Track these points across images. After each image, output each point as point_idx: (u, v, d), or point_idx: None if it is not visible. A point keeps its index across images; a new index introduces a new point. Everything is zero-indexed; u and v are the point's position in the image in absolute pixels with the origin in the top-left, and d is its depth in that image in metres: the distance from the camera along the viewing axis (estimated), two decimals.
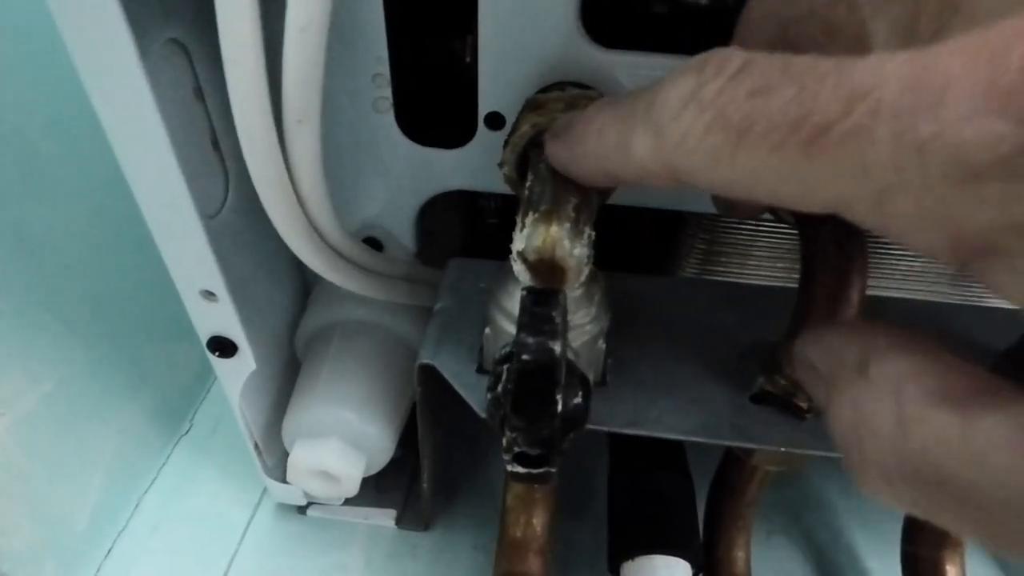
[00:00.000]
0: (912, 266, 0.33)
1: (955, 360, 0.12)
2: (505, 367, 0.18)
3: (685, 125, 0.13)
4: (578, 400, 0.18)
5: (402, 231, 0.32)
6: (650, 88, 0.14)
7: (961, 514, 0.11)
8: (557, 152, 0.19)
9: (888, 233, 0.11)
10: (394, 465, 0.35)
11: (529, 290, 0.18)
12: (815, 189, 0.11)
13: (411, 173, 0.29)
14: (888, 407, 0.12)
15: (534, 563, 0.31)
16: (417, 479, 0.38)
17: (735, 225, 0.33)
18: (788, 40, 0.16)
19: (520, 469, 0.18)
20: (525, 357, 0.16)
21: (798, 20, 0.16)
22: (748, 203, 0.21)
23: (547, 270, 0.19)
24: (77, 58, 0.19)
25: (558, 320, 0.17)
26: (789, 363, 0.23)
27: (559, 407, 0.17)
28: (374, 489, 0.38)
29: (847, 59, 0.11)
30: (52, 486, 0.33)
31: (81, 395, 0.34)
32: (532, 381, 0.16)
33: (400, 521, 0.38)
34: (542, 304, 0.17)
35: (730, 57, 0.13)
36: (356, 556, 0.37)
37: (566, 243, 0.19)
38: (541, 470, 0.18)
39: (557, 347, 0.16)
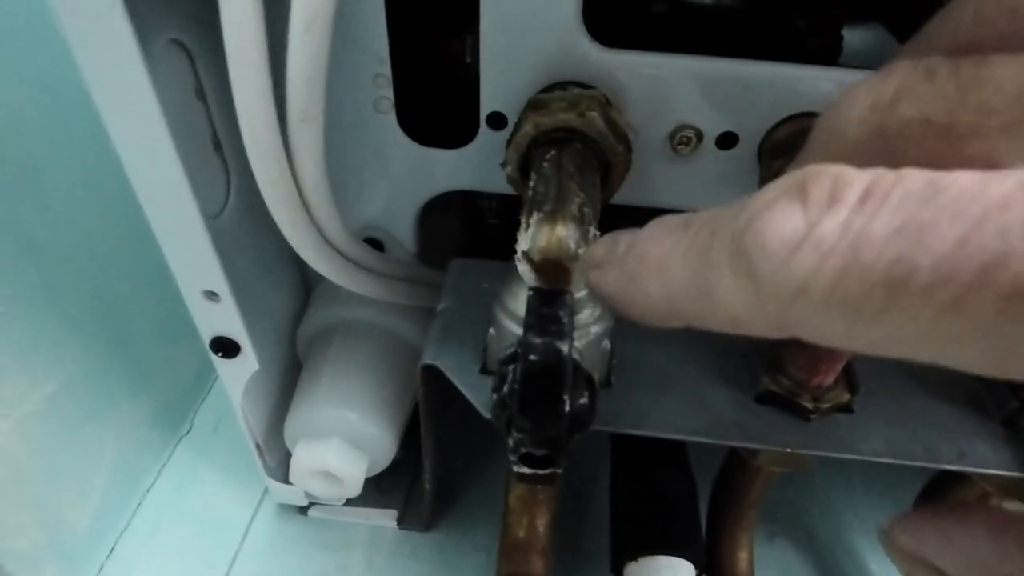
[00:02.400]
0: None
1: None
2: (511, 367, 0.18)
3: (802, 275, 0.10)
4: (584, 400, 0.18)
5: (403, 232, 0.31)
6: (729, 212, 0.11)
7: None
8: (606, 287, 0.15)
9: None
10: (395, 466, 0.35)
11: (536, 290, 0.18)
12: (1019, 352, 0.08)
13: (412, 173, 0.29)
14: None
15: (537, 564, 0.31)
16: (418, 480, 0.38)
17: None
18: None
19: (526, 470, 0.18)
20: (532, 357, 0.16)
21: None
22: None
23: (552, 270, 0.19)
24: (81, 58, 0.19)
25: (565, 320, 0.17)
26: (792, 363, 0.23)
27: (566, 407, 0.16)
28: (375, 490, 0.38)
29: None
30: (54, 486, 0.33)
31: (83, 396, 0.34)
32: (539, 382, 0.16)
33: (401, 522, 0.38)
34: (549, 304, 0.17)
35: (844, 179, 0.10)
36: (357, 557, 0.37)
37: (571, 243, 0.19)
38: (547, 471, 0.18)
39: (564, 347, 0.16)
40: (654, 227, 0.13)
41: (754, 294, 0.10)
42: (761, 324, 0.11)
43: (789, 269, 0.10)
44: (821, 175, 0.10)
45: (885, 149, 0.12)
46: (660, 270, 0.13)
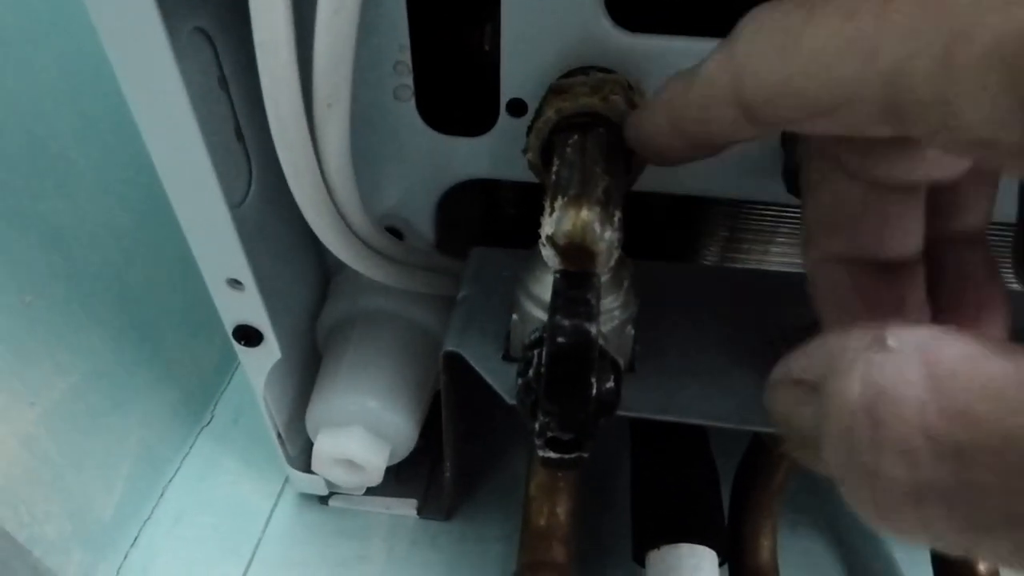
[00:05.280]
0: None
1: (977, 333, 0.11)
2: (536, 351, 0.18)
3: (761, 17, 0.13)
4: (610, 384, 0.18)
5: (422, 221, 0.31)
6: None
7: (1012, 502, 0.09)
8: (633, 118, 0.20)
9: (945, 104, 0.10)
10: (415, 455, 0.35)
11: (563, 272, 0.18)
12: (878, 52, 0.10)
13: (432, 162, 0.29)
14: (916, 368, 0.10)
15: (558, 552, 0.31)
16: (438, 469, 0.38)
17: (759, 211, 0.32)
18: None
19: (552, 455, 0.18)
20: (560, 339, 0.16)
21: None
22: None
23: (577, 254, 0.19)
24: (109, 47, 0.19)
25: (593, 302, 0.17)
26: None
27: (593, 390, 0.16)
28: (395, 479, 0.38)
29: None
30: (80, 475, 0.33)
31: (107, 386, 0.35)
32: (567, 363, 0.16)
33: (422, 511, 0.38)
34: (576, 286, 0.17)
35: None
36: (378, 546, 0.37)
37: (596, 227, 0.18)
38: (573, 455, 0.18)
39: (592, 329, 0.16)
40: None
41: (724, 53, 0.14)
42: (724, 82, 0.14)
43: (751, 22, 0.13)
44: None
45: None
46: (671, 84, 0.16)
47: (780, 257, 0.34)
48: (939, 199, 0.17)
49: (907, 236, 0.17)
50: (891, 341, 0.11)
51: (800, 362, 0.13)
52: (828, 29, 0.11)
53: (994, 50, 0.09)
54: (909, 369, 0.10)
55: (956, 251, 0.17)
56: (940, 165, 0.16)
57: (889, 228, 0.16)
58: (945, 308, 0.17)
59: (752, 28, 0.13)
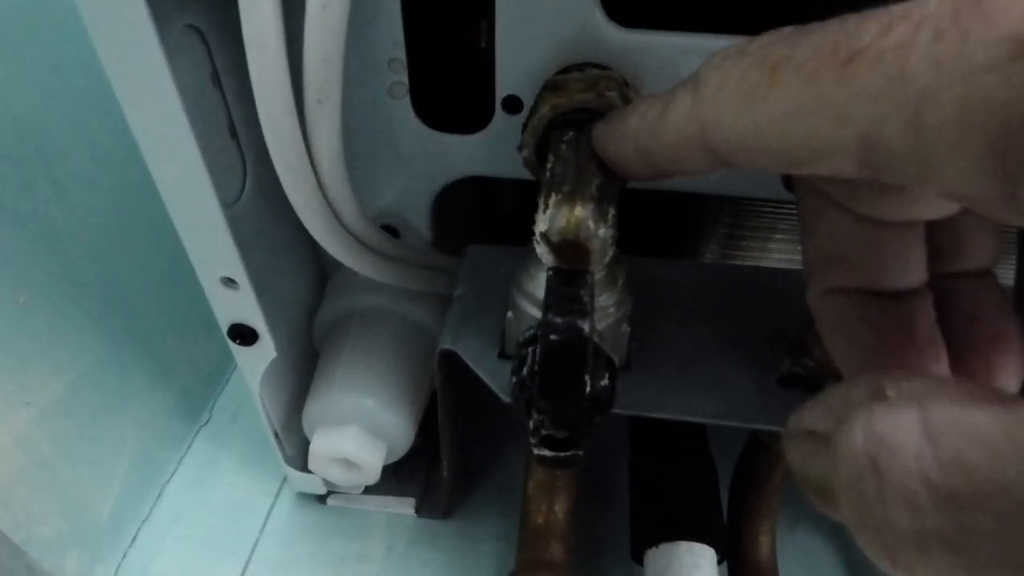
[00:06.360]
0: None
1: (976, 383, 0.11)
2: (530, 349, 0.18)
3: (723, 72, 0.13)
4: (605, 382, 0.18)
5: (418, 218, 0.31)
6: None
7: (1012, 547, 0.09)
8: (599, 132, 0.19)
9: (921, 160, 0.10)
10: (413, 454, 0.35)
11: (555, 270, 0.18)
12: (846, 116, 0.11)
13: (427, 159, 0.29)
14: (912, 418, 0.10)
15: (556, 550, 0.31)
16: (436, 468, 0.38)
17: (757, 208, 0.32)
18: None
19: (547, 453, 0.18)
20: (553, 337, 0.16)
21: None
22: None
23: (571, 252, 0.19)
24: (99, 45, 0.19)
25: (586, 299, 0.17)
26: (816, 345, 0.23)
27: (587, 388, 0.16)
28: (393, 478, 0.38)
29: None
30: (77, 476, 0.33)
31: (103, 386, 0.35)
32: (560, 361, 0.16)
33: (420, 510, 0.38)
34: (569, 284, 0.17)
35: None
36: (376, 544, 0.37)
37: (590, 224, 0.18)
38: (568, 453, 0.18)
39: (586, 326, 0.16)
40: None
41: (692, 97, 0.14)
42: (690, 128, 0.14)
43: (718, 70, 0.13)
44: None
45: None
46: (642, 112, 0.16)
47: (779, 254, 0.34)
48: (941, 239, 0.17)
49: (908, 268, 0.16)
50: (890, 391, 0.11)
51: (812, 413, 0.13)
52: (791, 92, 0.11)
53: (963, 116, 0.09)
54: (906, 419, 0.10)
55: (965, 288, 0.17)
56: (929, 207, 0.15)
57: (887, 261, 0.16)
58: (958, 346, 0.17)
59: (715, 82, 0.13)
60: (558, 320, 0.16)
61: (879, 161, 0.11)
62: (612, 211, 0.19)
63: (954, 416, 0.10)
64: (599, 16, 0.23)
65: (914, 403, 0.10)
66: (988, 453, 0.09)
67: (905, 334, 0.16)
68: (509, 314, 0.23)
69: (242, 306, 0.27)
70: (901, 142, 0.10)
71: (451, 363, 0.25)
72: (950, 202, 0.15)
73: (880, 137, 0.10)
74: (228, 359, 0.45)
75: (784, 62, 0.11)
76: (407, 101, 0.27)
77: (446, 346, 0.24)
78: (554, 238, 0.18)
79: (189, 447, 0.41)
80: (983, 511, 0.09)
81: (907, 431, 0.10)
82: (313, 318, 0.34)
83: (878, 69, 0.10)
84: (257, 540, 0.37)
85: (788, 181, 0.25)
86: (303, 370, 0.34)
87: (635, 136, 0.16)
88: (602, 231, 0.18)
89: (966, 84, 0.09)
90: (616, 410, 0.21)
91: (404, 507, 0.38)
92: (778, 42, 0.12)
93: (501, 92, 0.26)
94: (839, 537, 0.37)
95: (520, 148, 0.25)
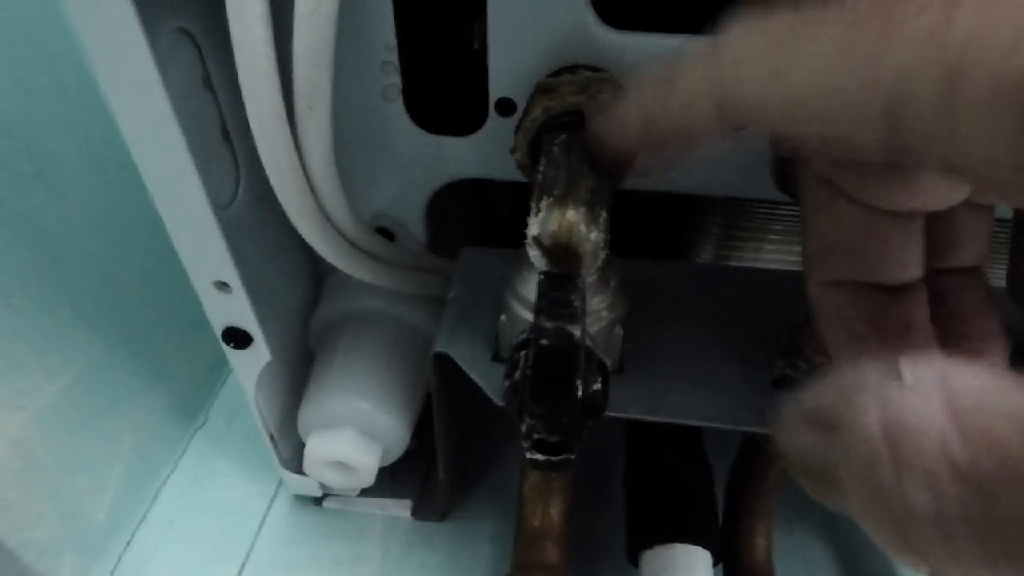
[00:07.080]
0: None
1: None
2: (523, 353, 0.18)
3: (748, 37, 0.12)
4: (597, 386, 0.18)
5: (413, 221, 0.31)
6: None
7: None
8: (596, 127, 0.19)
9: (950, 128, 0.10)
10: (410, 456, 0.35)
11: (546, 274, 0.18)
12: (878, 80, 0.10)
13: (421, 162, 0.29)
14: (935, 398, 0.10)
15: (552, 553, 0.31)
16: (433, 470, 0.38)
17: (751, 209, 0.32)
18: None
19: (539, 456, 0.18)
20: (544, 342, 0.16)
21: None
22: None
23: (563, 255, 0.19)
24: (88, 49, 0.19)
25: (577, 304, 0.17)
26: (809, 345, 0.23)
27: (579, 392, 0.16)
28: (390, 480, 0.38)
29: None
30: (72, 478, 0.33)
31: (98, 389, 0.35)
32: (551, 366, 0.16)
33: (416, 512, 0.38)
34: (560, 288, 0.17)
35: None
36: (373, 547, 0.37)
37: (582, 227, 0.18)
38: (560, 457, 0.18)
39: (576, 331, 0.16)
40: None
41: (706, 64, 0.14)
42: (706, 94, 0.14)
43: (741, 36, 0.13)
44: None
45: None
46: (640, 89, 0.16)
47: (773, 255, 0.34)
48: (937, 236, 0.17)
49: (907, 261, 0.17)
50: (907, 376, 0.11)
51: (812, 400, 0.13)
52: (828, 49, 0.11)
53: (999, 87, 0.09)
54: (929, 403, 0.10)
55: (955, 285, 0.18)
56: (935, 196, 0.15)
57: (888, 254, 0.16)
58: (946, 339, 0.17)
59: (739, 43, 0.13)
60: (549, 325, 0.16)
61: (906, 126, 0.10)
62: (604, 214, 0.19)
63: (981, 396, 0.10)
64: (590, 18, 0.23)
65: (937, 384, 0.10)
66: (1020, 430, 0.09)
67: (901, 328, 0.17)
68: (503, 317, 0.23)
69: (235, 310, 0.27)
70: (932, 108, 0.10)
71: (446, 366, 0.25)
72: (959, 186, 0.15)
73: (911, 102, 0.10)
74: (224, 361, 0.44)
75: (816, 22, 0.11)
76: (400, 104, 0.27)
77: (440, 349, 0.24)
78: (546, 241, 0.19)
79: (185, 450, 0.41)
80: (1013, 493, 0.09)
81: (931, 416, 0.10)
82: (309, 321, 0.34)
83: (916, 35, 0.10)
84: (253, 543, 0.37)
85: (781, 181, 0.25)
86: (298, 372, 0.34)
87: (639, 108, 0.16)
88: (594, 234, 0.18)
89: (1006, 55, 0.09)
90: (609, 413, 0.21)
91: (400, 509, 0.38)
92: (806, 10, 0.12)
93: (494, 94, 0.26)
94: (835, 538, 0.37)
95: (513, 151, 0.25)
